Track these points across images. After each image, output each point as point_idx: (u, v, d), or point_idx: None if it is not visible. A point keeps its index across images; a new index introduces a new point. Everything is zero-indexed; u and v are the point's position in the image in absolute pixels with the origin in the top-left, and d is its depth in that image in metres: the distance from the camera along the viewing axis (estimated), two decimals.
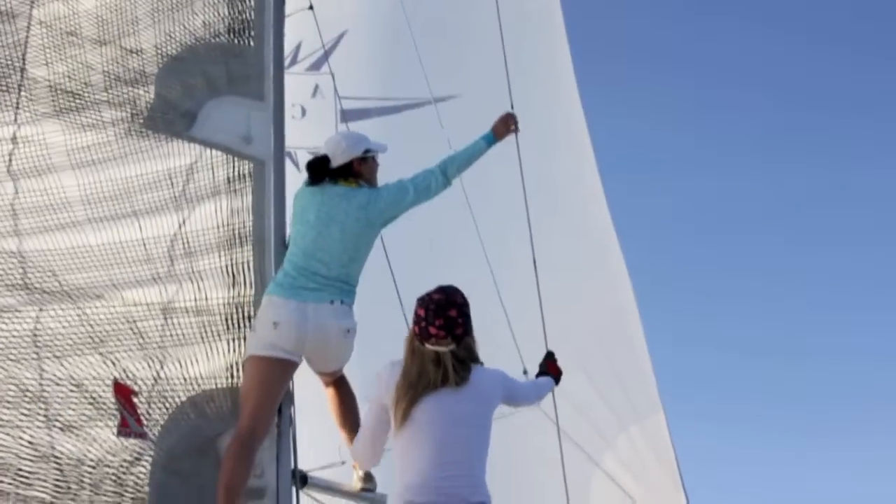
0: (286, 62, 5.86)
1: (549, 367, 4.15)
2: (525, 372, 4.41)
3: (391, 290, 4.67)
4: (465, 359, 3.51)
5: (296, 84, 5.15)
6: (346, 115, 6.34)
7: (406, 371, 3.51)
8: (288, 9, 4.53)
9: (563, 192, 6.35)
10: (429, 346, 3.49)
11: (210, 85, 4.45)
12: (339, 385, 4.20)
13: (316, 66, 6.59)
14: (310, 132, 5.97)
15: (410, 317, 4.25)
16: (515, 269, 5.34)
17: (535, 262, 4.95)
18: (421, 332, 3.52)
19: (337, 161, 4.22)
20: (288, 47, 5.14)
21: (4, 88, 4.46)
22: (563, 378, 4.21)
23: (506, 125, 4.42)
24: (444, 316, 3.49)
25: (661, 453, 5.97)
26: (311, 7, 4.91)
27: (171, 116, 4.43)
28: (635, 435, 5.96)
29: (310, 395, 4.22)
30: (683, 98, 14.29)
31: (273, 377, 3.93)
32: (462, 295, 3.60)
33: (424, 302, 3.54)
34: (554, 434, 4.69)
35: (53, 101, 4.47)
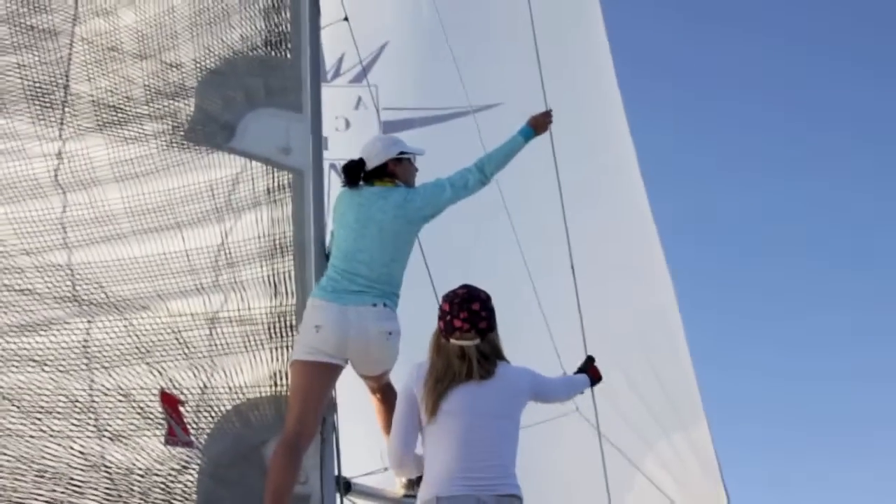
0: (329, 75, 5.96)
1: (589, 370, 4.17)
2: (564, 374, 4.39)
3: (431, 297, 4.70)
4: (490, 354, 3.58)
5: (339, 96, 5.20)
6: (389, 127, 6.39)
7: (433, 365, 3.59)
8: (324, 21, 4.58)
9: (604, 194, 6.33)
10: (453, 342, 3.59)
11: (249, 97, 4.52)
12: (385, 392, 4.23)
13: (358, 79, 6.65)
14: (354, 144, 5.99)
15: None
16: (555, 273, 5.35)
17: (572, 264, 4.96)
18: (446, 327, 3.61)
19: (372, 163, 4.26)
20: (331, 60, 5.23)
21: (49, 105, 4.56)
22: (605, 382, 4.21)
23: (544, 118, 4.43)
24: (468, 309, 3.59)
25: (704, 460, 5.94)
26: (346, 18, 4.95)
27: (211, 129, 4.50)
28: (677, 441, 5.94)
29: (353, 402, 4.27)
30: (728, 108, 14.12)
31: (316, 381, 3.97)
32: (486, 292, 3.69)
33: (449, 297, 3.65)
34: (594, 438, 4.70)
35: (96, 115, 4.56)
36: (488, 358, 3.57)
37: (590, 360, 4.22)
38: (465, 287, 3.69)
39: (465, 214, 5.14)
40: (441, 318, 3.62)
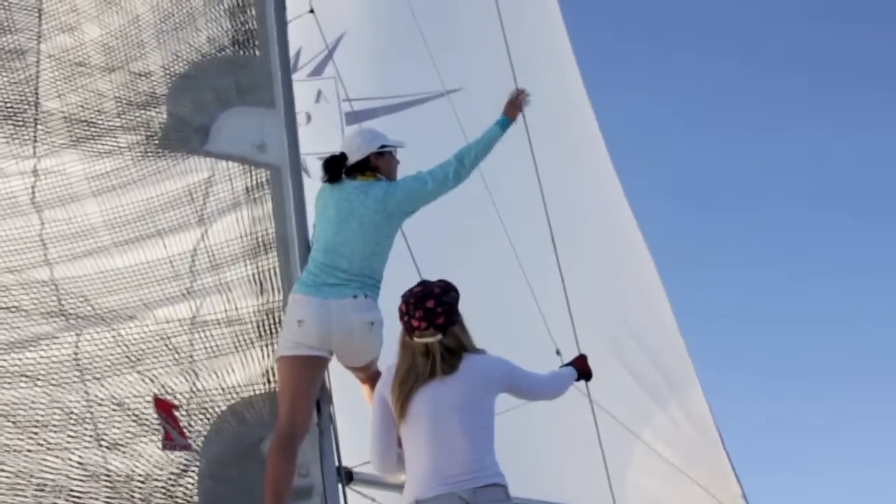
0: None
1: (578, 363, 4.11)
2: (558, 352, 4.42)
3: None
4: (455, 348, 3.57)
5: (298, 91, 5.18)
6: (352, 117, 6.40)
7: (398, 367, 3.60)
8: (289, 15, 4.60)
9: (574, 175, 6.35)
10: (416, 340, 3.58)
11: (220, 98, 4.52)
12: (375, 380, 4.22)
13: (317, 72, 6.64)
14: (316, 138, 6.01)
15: None
16: (537, 257, 5.38)
17: (555, 247, 4.97)
18: (406, 327, 3.62)
19: (353, 157, 4.27)
20: None
21: (21, 123, 4.56)
22: (596, 361, 4.20)
23: (515, 103, 4.44)
24: (423, 308, 3.57)
25: (702, 427, 5.96)
26: (311, 10, 4.96)
27: (185, 133, 4.51)
28: (674, 411, 5.97)
29: (349, 392, 4.27)
30: (685, 72, 14.22)
31: (303, 374, 3.98)
32: (442, 286, 3.65)
33: (405, 296, 3.64)
34: (590, 412, 4.70)
35: (69, 131, 4.56)
36: (453, 352, 3.56)
37: (580, 357, 4.18)
38: (421, 284, 3.68)
39: (447, 206, 5.18)
40: (400, 318, 3.63)
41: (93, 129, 4.56)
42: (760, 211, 13.80)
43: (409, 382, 3.56)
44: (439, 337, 3.56)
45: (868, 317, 13.46)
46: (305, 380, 3.98)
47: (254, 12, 4.51)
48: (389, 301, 4.12)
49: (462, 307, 4.33)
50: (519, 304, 5.62)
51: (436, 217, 5.34)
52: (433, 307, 3.58)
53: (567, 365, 4.12)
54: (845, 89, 14.22)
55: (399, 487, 4.18)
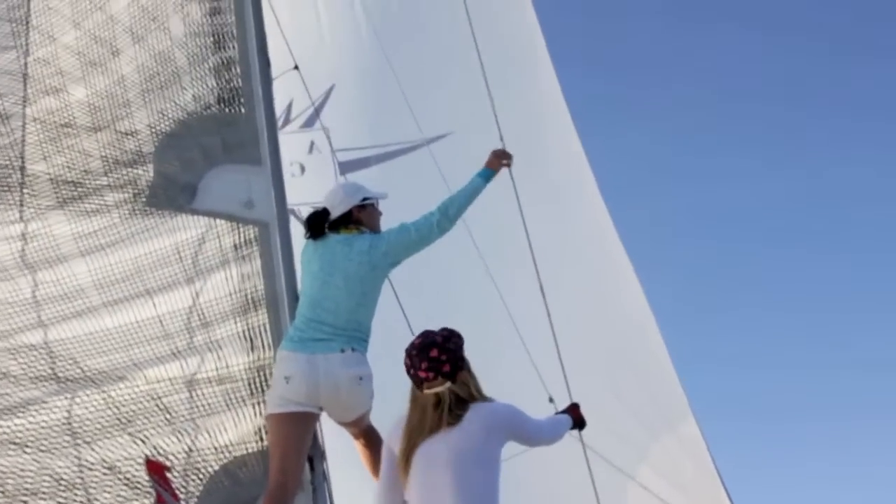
0: (279, 123, 5.97)
1: (572, 411, 4.05)
2: (551, 399, 4.39)
3: (406, 337, 4.67)
4: (465, 396, 3.50)
5: (291, 143, 5.21)
6: (345, 167, 6.41)
7: (408, 419, 3.54)
8: (274, 72, 4.61)
9: (565, 212, 6.36)
10: (427, 391, 3.51)
11: (207, 156, 4.52)
12: (368, 436, 4.19)
13: (309, 123, 6.67)
14: (311, 188, 6.01)
15: None
16: (524, 295, 5.35)
17: (540, 280, 4.94)
18: (414, 380, 3.56)
19: (336, 211, 4.27)
20: (279, 108, 5.23)
21: (6, 188, 4.56)
22: (588, 396, 4.17)
23: (498, 159, 4.46)
24: (427, 358, 3.51)
25: (697, 459, 5.92)
26: (296, 67, 4.98)
27: (172, 192, 4.50)
28: (669, 444, 5.92)
29: (343, 448, 4.23)
30: (677, 104, 14.30)
31: (292, 431, 3.95)
32: (445, 333, 3.60)
33: (408, 350, 3.58)
34: (582, 452, 4.66)
35: (56, 192, 4.56)
36: (462, 401, 3.50)
37: (573, 406, 4.12)
38: (422, 335, 3.62)
39: (431, 251, 5.17)
40: (407, 372, 3.57)
41: (79, 189, 4.56)
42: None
43: (414, 435, 3.49)
44: (448, 385, 3.50)
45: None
46: (295, 436, 3.95)
47: (238, 70, 4.53)
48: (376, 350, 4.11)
49: None
50: (509, 351, 5.59)
51: (421, 267, 5.34)
52: (437, 356, 3.51)
53: (562, 412, 4.09)
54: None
55: None
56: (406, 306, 4.72)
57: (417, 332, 4.60)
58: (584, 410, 4.10)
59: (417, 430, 3.49)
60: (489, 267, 5.63)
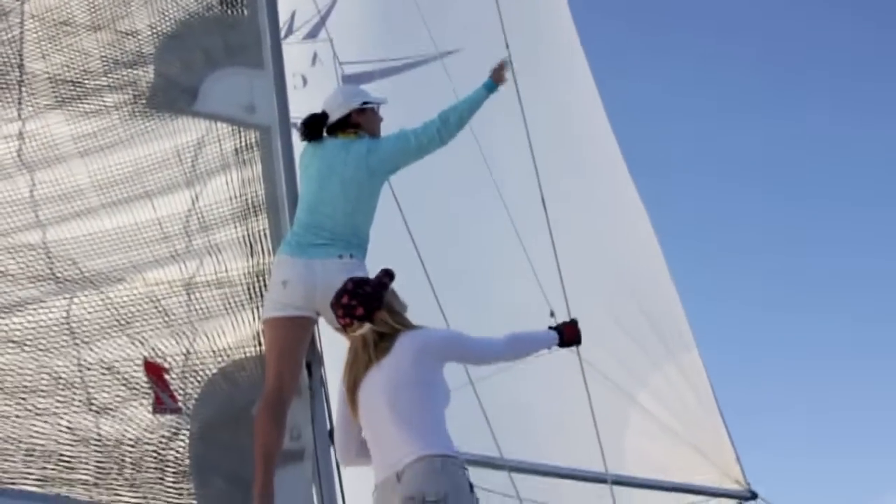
0: (282, 32, 5.87)
1: (566, 327, 3.98)
2: (552, 314, 4.36)
3: (409, 252, 4.65)
4: (387, 331, 3.61)
5: (294, 54, 5.11)
6: (349, 80, 6.30)
7: (346, 362, 3.68)
8: None
9: (571, 136, 6.29)
10: (352, 335, 3.66)
11: (208, 58, 4.44)
12: None
13: (312, 35, 6.54)
14: (313, 101, 5.94)
15: (436, 285, 4.28)
16: (531, 220, 5.32)
17: (545, 205, 4.90)
18: (342, 330, 3.71)
19: (335, 115, 4.20)
20: (282, 18, 5.12)
21: (5, 86, 4.48)
22: (592, 322, 4.15)
23: (503, 70, 4.38)
24: (341, 305, 3.64)
25: (698, 389, 5.95)
26: None
27: (173, 94, 4.43)
28: (669, 371, 5.94)
29: (341, 354, 4.23)
30: (690, 50, 14.09)
31: (289, 335, 3.94)
32: (356, 280, 3.71)
33: (331, 302, 3.71)
34: (589, 374, 4.67)
35: (54, 92, 4.48)
36: (385, 336, 3.60)
37: (572, 322, 4.05)
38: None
39: (440, 167, 5.12)
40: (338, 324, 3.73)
41: (79, 90, 4.48)
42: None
43: (352, 374, 3.62)
44: (367, 325, 3.61)
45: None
46: (291, 341, 3.94)
47: None
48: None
49: (458, 276, 4.27)
50: (514, 269, 5.57)
51: (429, 189, 5.30)
52: (348, 302, 3.64)
53: (554, 328, 4.01)
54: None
55: None
56: (410, 222, 4.67)
57: (422, 247, 4.61)
58: (586, 334, 4.10)
59: (353, 369, 3.62)
60: (497, 183, 5.57)
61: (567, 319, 4.09)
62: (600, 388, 4.83)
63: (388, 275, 3.72)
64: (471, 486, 3.38)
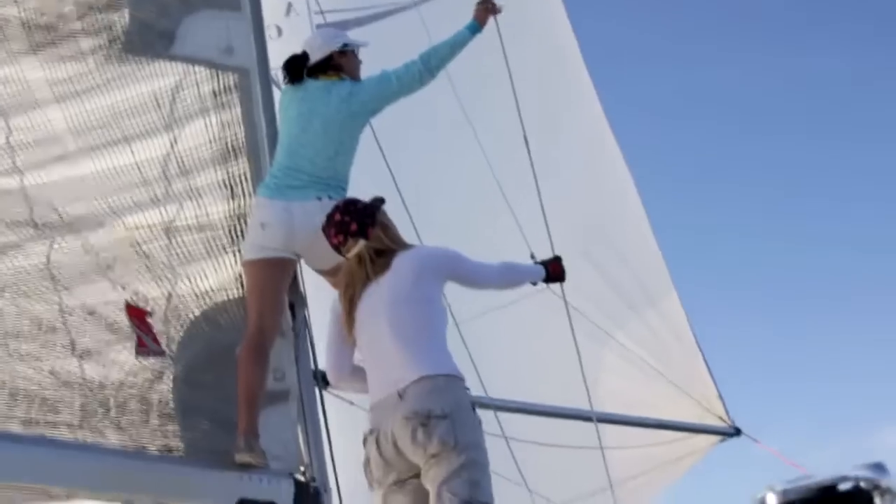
0: None
1: (550, 265, 4.04)
2: (532, 257, 4.38)
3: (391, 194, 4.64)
4: (383, 248, 3.61)
5: (268, 4, 5.04)
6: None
7: (342, 283, 3.68)
8: None
9: (549, 80, 6.26)
10: (348, 255, 3.64)
11: (184, 1, 4.38)
12: None
13: None
14: (287, 51, 5.89)
15: (419, 225, 4.28)
16: (512, 164, 5.32)
17: (529, 152, 4.91)
18: (336, 250, 3.69)
19: (315, 56, 4.18)
20: None
21: None
22: (570, 266, 4.18)
23: (486, 8, 4.35)
24: (333, 224, 3.63)
25: (678, 332, 5.99)
26: None
27: (149, 38, 4.38)
28: (649, 317, 5.98)
29: (324, 296, 4.23)
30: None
31: (269, 277, 3.94)
32: (348, 199, 3.73)
33: (323, 225, 3.70)
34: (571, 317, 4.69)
35: (28, 37, 4.41)
36: (382, 252, 3.59)
37: (555, 258, 4.13)
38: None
39: (424, 105, 5.10)
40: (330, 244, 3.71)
41: (53, 35, 4.41)
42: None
43: (348, 293, 3.61)
44: (362, 242, 3.59)
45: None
46: (272, 283, 3.94)
47: None
48: None
49: (439, 216, 4.25)
50: (494, 211, 5.58)
51: (410, 130, 5.27)
52: (341, 219, 3.63)
53: (540, 263, 4.08)
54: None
55: None
56: (391, 164, 4.66)
57: (404, 189, 4.61)
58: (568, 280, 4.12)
59: (350, 289, 3.61)
60: (475, 128, 5.55)
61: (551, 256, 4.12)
62: (581, 330, 4.85)
63: (378, 198, 3.72)
64: (473, 405, 3.40)
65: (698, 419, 5.64)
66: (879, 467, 1.38)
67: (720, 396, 5.67)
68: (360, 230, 3.60)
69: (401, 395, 3.35)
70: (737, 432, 5.62)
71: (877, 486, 1.36)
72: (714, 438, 5.65)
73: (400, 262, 3.57)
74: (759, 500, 1.38)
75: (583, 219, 6.07)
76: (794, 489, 1.36)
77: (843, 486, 1.36)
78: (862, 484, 1.36)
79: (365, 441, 3.47)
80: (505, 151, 5.48)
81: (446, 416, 3.26)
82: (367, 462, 3.46)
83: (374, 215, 3.64)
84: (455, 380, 3.39)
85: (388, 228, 3.66)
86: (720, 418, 5.64)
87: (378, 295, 3.54)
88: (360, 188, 4.12)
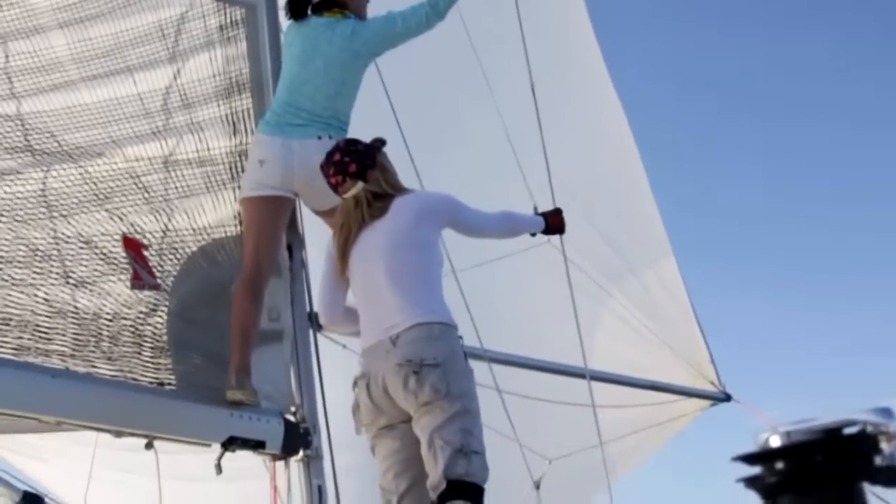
0: None
1: (550, 217, 4.01)
2: (535, 209, 4.35)
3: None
4: (380, 191, 3.54)
5: None
6: None
7: (337, 224, 3.62)
8: None
9: (556, 41, 6.18)
10: (344, 196, 3.58)
11: None
12: None
13: None
14: None
15: (422, 176, 4.24)
16: (518, 120, 5.27)
17: (538, 111, 4.86)
18: (333, 190, 3.62)
19: None
20: None
21: None
22: (571, 222, 4.14)
23: None
24: (332, 163, 3.57)
25: (674, 294, 5.97)
26: None
27: None
28: (647, 277, 5.95)
29: (322, 235, 4.19)
30: None
31: (267, 215, 3.90)
32: (349, 139, 3.67)
33: (321, 164, 3.64)
34: (563, 273, 4.66)
35: None
36: (379, 196, 3.53)
37: (556, 211, 4.11)
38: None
39: (431, 62, 5.03)
40: (328, 183, 3.65)
41: None
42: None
43: (342, 235, 3.55)
44: (361, 184, 3.53)
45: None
46: (269, 221, 3.90)
47: None
48: None
49: (444, 168, 4.16)
50: (498, 167, 5.53)
51: (424, 83, 5.20)
52: (340, 159, 3.56)
53: (540, 215, 4.04)
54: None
55: None
56: (396, 108, 4.60)
57: (413, 145, 4.55)
58: (568, 238, 4.07)
59: (344, 230, 3.54)
60: (489, 82, 5.47)
61: (551, 209, 4.08)
62: (577, 287, 4.83)
63: (379, 140, 3.66)
64: (465, 355, 3.36)
65: (690, 383, 5.63)
66: (887, 412, 1.35)
67: (712, 361, 5.66)
68: (359, 172, 3.55)
69: (393, 342, 3.31)
70: (727, 398, 5.61)
71: (883, 431, 1.33)
72: (704, 402, 5.65)
73: (398, 206, 3.51)
74: (762, 440, 1.35)
75: (585, 179, 6.02)
76: (798, 430, 1.34)
77: (849, 430, 1.33)
78: (868, 428, 1.33)
79: (355, 385, 3.44)
80: (511, 108, 5.42)
81: (439, 365, 3.22)
82: (356, 406, 3.44)
83: (374, 157, 3.58)
84: (449, 328, 3.35)
85: (387, 172, 3.60)
86: (711, 383, 5.64)
87: (374, 239, 3.48)
88: (362, 133, 4.07)
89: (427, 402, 3.21)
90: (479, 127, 5.78)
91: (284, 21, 4.31)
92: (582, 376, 4.59)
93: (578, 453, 5.15)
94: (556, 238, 4.40)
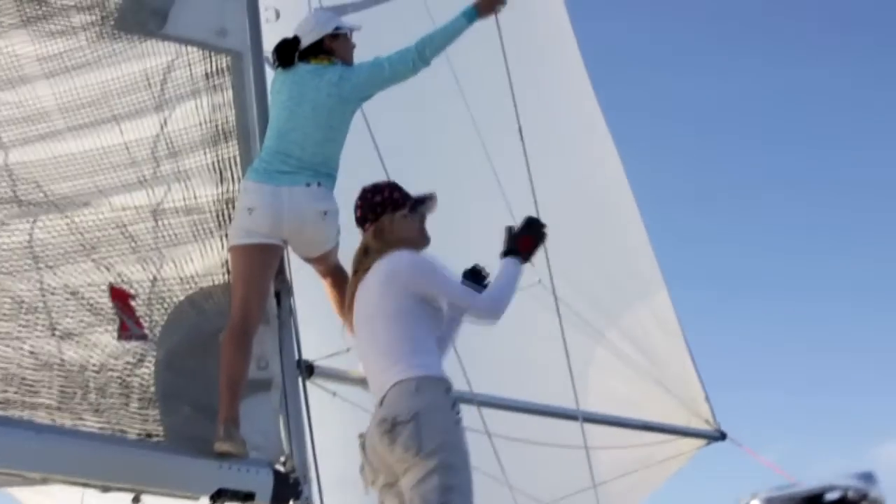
0: None
1: (517, 243, 3.57)
2: (510, 229, 4.27)
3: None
4: (371, 245, 3.51)
5: None
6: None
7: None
8: None
9: (544, 70, 6.18)
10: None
11: None
12: (335, 274, 4.13)
13: None
14: (286, 35, 5.82)
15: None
16: (504, 158, 5.27)
17: (522, 139, 4.82)
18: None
19: (307, 40, 4.12)
20: None
21: None
22: (562, 258, 4.11)
23: (490, 3, 4.26)
24: (358, 198, 3.66)
25: (668, 330, 5.94)
26: None
27: (142, 16, 4.31)
28: (640, 313, 5.92)
29: (310, 285, 4.17)
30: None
31: (255, 264, 3.88)
32: (372, 186, 3.64)
33: None
34: (554, 312, 4.63)
35: (19, 10, 4.34)
36: (365, 250, 3.52)
37: (519, 231, 3.61)
38: None
39: (415, 99, 5.03)
40: None
41: (44, 9, 4.34)
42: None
43: (350, 290, 3.58)
44: (368, 233, 3.58)
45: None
46: (258, 269, 3.89)
47: None
48: None
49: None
50: (484, 197, 5.51)
51: (406, 110, 5.19)
52: (357, 201, 3.63)
53: (506, 252, 3.57)
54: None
55: (361, 381, 4.14)
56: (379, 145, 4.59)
57: (392, 170, 4.53)
58: (556, 272, 4.02)
59: (351, 284, 3.56)
60: (472, 114, 5.47)
61: (515, 229, 3.63)
62: (569, 325, 4.80)
63: (421, 200, 3.61)
64: (455, 402, 3.28)
65: (685, 422, 5.59)
66: (868, 477, 1.33)
67: (707, 399, 5.62)
68: (360, 220, 3.57)
69: (381, 402, 3.32)
70: (722, 436, 5.57)
71: (864, 497, 1.31)
72: (699, 442, 5.60)
73: (374, 269, 3.46)
74: None
75: (576, 210, 6.00)
76: (780, 496, 1.31)
77: (831, 496, 1.31)
78: (850, 494, 1.31)
79: (362, 445, 3.42)
80: (498, 142, 5.42)
81: (411, 420, 3.17)
82: (361, 465, 3.42)
83: (378, 210, 3.55)
84: (429, 380, 3.27)
85: (382, 231, 3.53)
86: (706, 422, 5.60)
87: (360, 303, 3.48)
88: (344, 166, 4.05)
89: (402, 461, 3.19)
90: (466, 167, 5.78)
91: (270, 69, 4.32)
92: (574, 418, 4.55)
93: (572, 496, 5.10)
94: (546, 279, 4.39)
